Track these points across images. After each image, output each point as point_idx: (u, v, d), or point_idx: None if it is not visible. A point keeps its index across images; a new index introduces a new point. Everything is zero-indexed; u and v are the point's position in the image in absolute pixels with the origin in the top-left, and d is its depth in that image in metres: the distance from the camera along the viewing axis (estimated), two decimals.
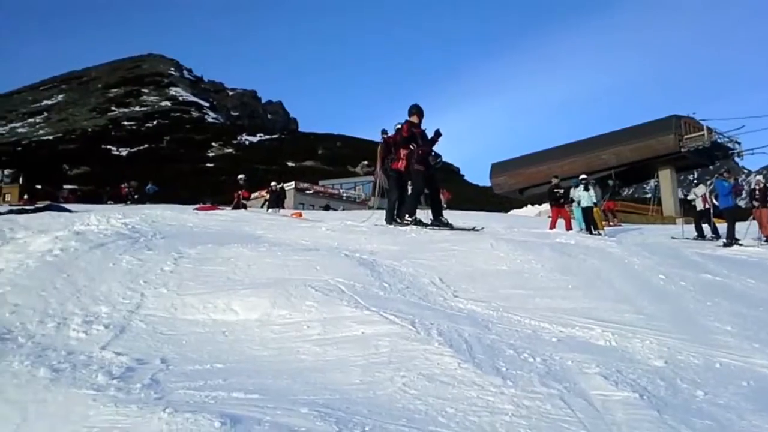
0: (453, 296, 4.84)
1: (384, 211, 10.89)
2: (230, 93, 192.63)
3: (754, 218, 16.86)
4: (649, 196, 53.45)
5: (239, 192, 25.44)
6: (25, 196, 37.63)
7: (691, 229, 17.86)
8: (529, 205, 43.00)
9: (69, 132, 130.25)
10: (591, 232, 15.44)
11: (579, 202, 17.25)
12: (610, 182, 26.23)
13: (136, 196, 34.91)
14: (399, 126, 10.28)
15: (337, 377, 3.02)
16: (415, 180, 10.14)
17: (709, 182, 19.18)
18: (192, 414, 2.34)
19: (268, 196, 28.60)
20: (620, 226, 23.84)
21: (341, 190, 58.98)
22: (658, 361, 3.55)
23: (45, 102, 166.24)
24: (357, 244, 7.03)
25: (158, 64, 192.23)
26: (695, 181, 20.32)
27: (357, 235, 7.97)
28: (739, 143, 45.24)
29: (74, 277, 4.58)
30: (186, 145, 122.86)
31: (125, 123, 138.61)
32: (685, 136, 43.32)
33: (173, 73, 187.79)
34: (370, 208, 20.26)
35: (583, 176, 18.19)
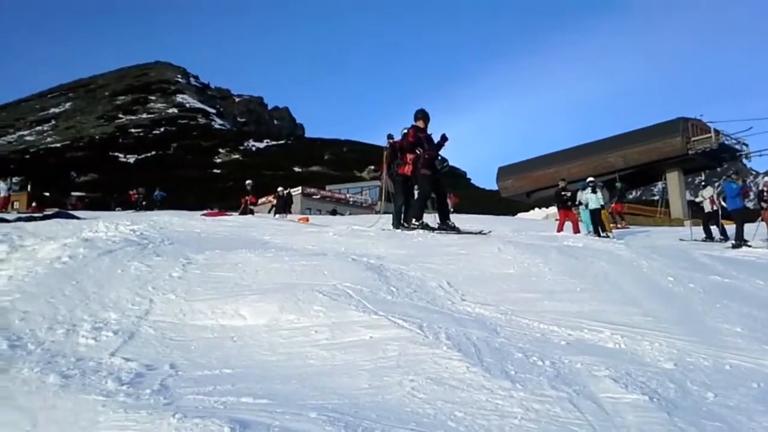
0: (461, 300, 4.83)
1: (391, 216, 10.90)
2: (237, 99, 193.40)
3: (762, 220, 16.80)
4: (656, 198, 53.28)
5: (246, 197, 25.51)
6: (34, 204, 37.75)
7: (699, 231, 17.81)
8: (537, 209, 42.95)
9: (77, 139, 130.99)
10: (599, 235, 15.40)
11: (587, 205, 17.21)
12: (618, 185, 26.15)
13: (144, 203, 35.10)
14: (405, 131, 10.29)
15: (346, 382, 3.02)
16: (422, 184, 10.15)
17: (717, 184, 19.12)
18: (201, 419, 2.35)
19: (275, 202, 28.66)
20: (628, 228, 23.79)
21: (348, 195, 59.05)
22: (668, 363, 3.54)
23: (52, 110, 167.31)
24: (364, 249, 7.04)
25: (165, 72, 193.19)
26: (703, 183, 20.27)
27: (364, 239, 7.97)
28: (746, 145, 45.15)
29: (83, 284, 4.59)
30: (193, 152, 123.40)
31: (132, 130, 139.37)
32: (693, 139, 43.26)
33: (180, 80, 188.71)
34: (376, 212, 20.26)
35: (591, 179, 18.16)
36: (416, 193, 10.53)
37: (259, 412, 2.52)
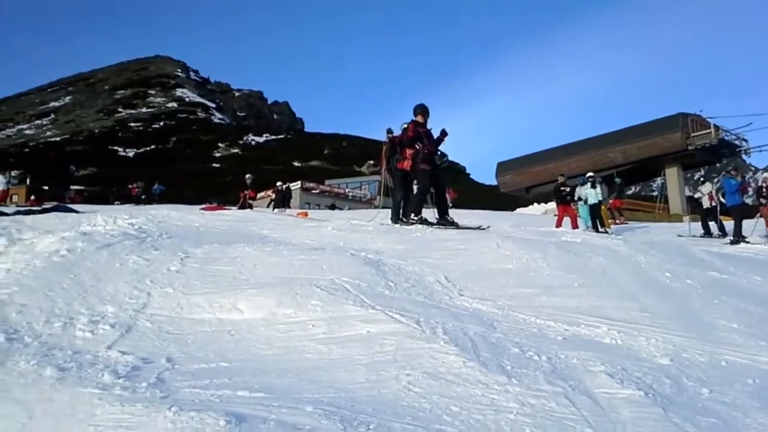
0: (458, 295, 4.83)
1: (389, 211, 10.90)
2: (236, 94, 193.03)
3: (761, 216, 16.82)
4: (655, 193, 53.32)
5: (245, 192, 25.51)
6: (32, 197, 37.73)
7: (697, 227, 17.83)
8: (535, 204, 42.97)
9: (76, 133, 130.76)
10: (597, 230, 15.41)
11: (585, 200, 17.22)
12: (617, 180, 26.15)
13: (143, 197, 35.14)
14: (405, 126, 10.28)
15: (342, 376, 3.03)
16: (421, 179, 10.14)
17: (716, 180, 19.15)
18: (197, 412, 2.35)
19: (274, 196, 28.67)
20: (626, 224, 23.80)
21: (347, 190, 59.03)
22: (664, 359, 3.55)
23: (52, 104, 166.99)
24: (362, 244, 7.04)
25: (165, 66, 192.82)
26: (702, 179, 20.29)
27: (362, 234, 7.97)
28: (746, 141, 45.16)
29: (81, 277, 4.59)
30: (192, 146, 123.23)
31: (132, 124, 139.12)
32: (692, 134, 43.24)
33: (180, 74, 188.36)
34: (375, 207, 20.27)
35: (590, 174, 18.17)
36: (415, 188, 10.52)
37: (256, 405, 2.53)
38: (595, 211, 16.88)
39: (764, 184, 16.68)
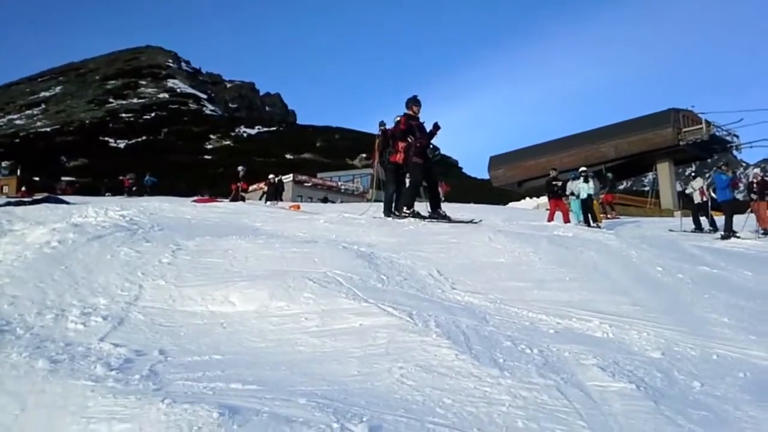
0: (451, 288, 4.84)
1: (382, 204, 10.89)
2: (228, 85, 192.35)
3: (752, 211, 16.91)
4: (647, 188, 53.52)
5: (238, 184, 25.45)
6: (23, 188, 37.57)
7: (688, 222, 17.91)
8: (528, 198, 43.03)
9: (67, 124, 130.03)
10: (589, 225, 15.46)
11: (577, 195, 17.26)
12: (608, 175, 26.23)
13: (135, 188, 35.00)
14: (398, 118, 10.26)
15: (335, 368, 3.03)
16: (414, 172, 10.13)
17: (707, 175, 19.23)
18: (190, 405, 2.35)
19: (266, 189, 28.62)
20: (618, 218, 23.89)
21: (339, 183, 58.95)
22: (655, 352, 3.57)
23: (43, 94, 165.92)
24: (355, 237, 7.03)
25: (156, 56, 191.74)
26: (693, 174, 20.41)
27: (355, 227, 7.97)
28: (737, 136, 45.35)
29: (72, 269, 4.57)
30: (184, 137, 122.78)
31: (123, 115, 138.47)
32: (684, 129, 43.38)
33: (171, 65, 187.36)
34: (368, 200, 20.26)
35: (583, 169, 18.21)
36: (407, 181, 10.52)
37: (249, 398, 2.52)
38: (586, 205, 16.93)
39: (755, 180, 16.76)
